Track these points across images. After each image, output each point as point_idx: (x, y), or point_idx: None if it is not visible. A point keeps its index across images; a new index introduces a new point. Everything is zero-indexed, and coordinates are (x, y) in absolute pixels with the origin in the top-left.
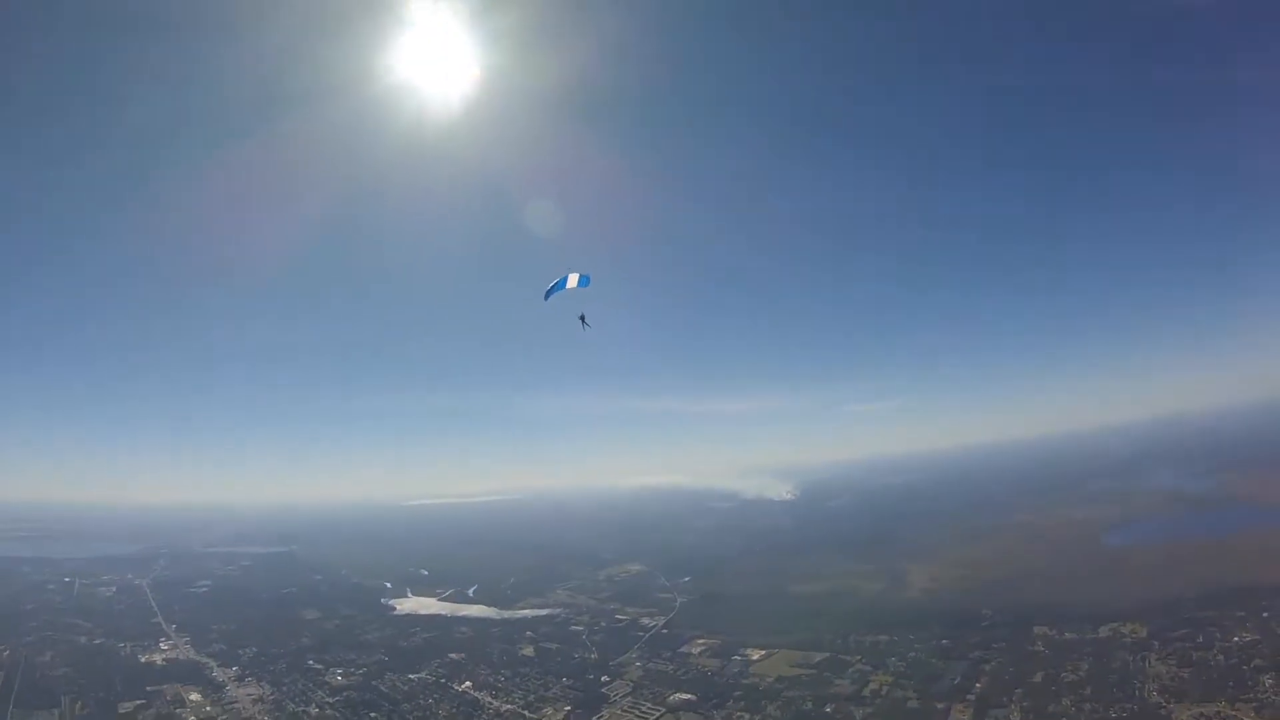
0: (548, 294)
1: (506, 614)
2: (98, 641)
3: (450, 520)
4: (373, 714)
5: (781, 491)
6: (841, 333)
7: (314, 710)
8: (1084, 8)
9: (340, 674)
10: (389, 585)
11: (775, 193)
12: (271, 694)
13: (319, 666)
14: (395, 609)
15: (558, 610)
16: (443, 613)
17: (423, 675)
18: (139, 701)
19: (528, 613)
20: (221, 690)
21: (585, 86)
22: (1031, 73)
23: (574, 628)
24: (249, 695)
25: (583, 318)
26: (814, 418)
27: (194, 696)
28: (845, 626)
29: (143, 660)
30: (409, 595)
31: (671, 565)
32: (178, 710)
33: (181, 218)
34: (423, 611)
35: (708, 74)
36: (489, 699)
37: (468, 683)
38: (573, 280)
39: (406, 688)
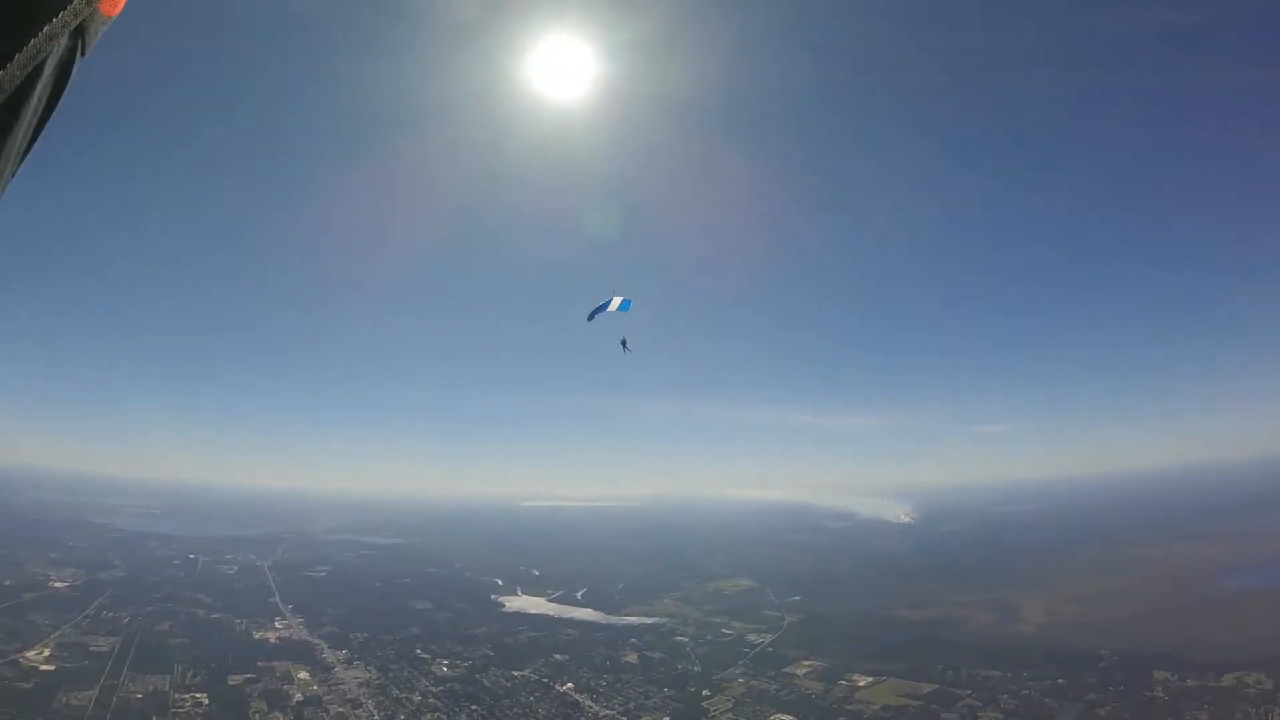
0: (591, 315)
1: (613, 619)
2: (215, 616)
3: (563, 523)
4: (474, 706)
5: (899, 513)
6: (972, 349)
7: (417, 698)
8: None
9: (446, 665)
10: (500, 582)
11: (905, 197)
12: (378, 679)
13: (426, 656)
14: (504, 606)
15: (664, 620)
16: (550, 613)
17: (525, 673)
18: (249, 675)
19: (634, 620)
20: (329, 671)
21: (709, 95)
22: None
23: (679, 638)
24: (355, 678)
25: (624, 342)
26: (938, 437)
27: (302, 675)
28: (956, 658)
29: (256, 636)
30: (519, 593)
31: (781, 582)
32: (285, 687)
33: (329, 220)
34: (531, 610)
35: (834, 81)
36: (589, 702)
37: (569, 684)
38: (615, 303)
39: (509, 684)
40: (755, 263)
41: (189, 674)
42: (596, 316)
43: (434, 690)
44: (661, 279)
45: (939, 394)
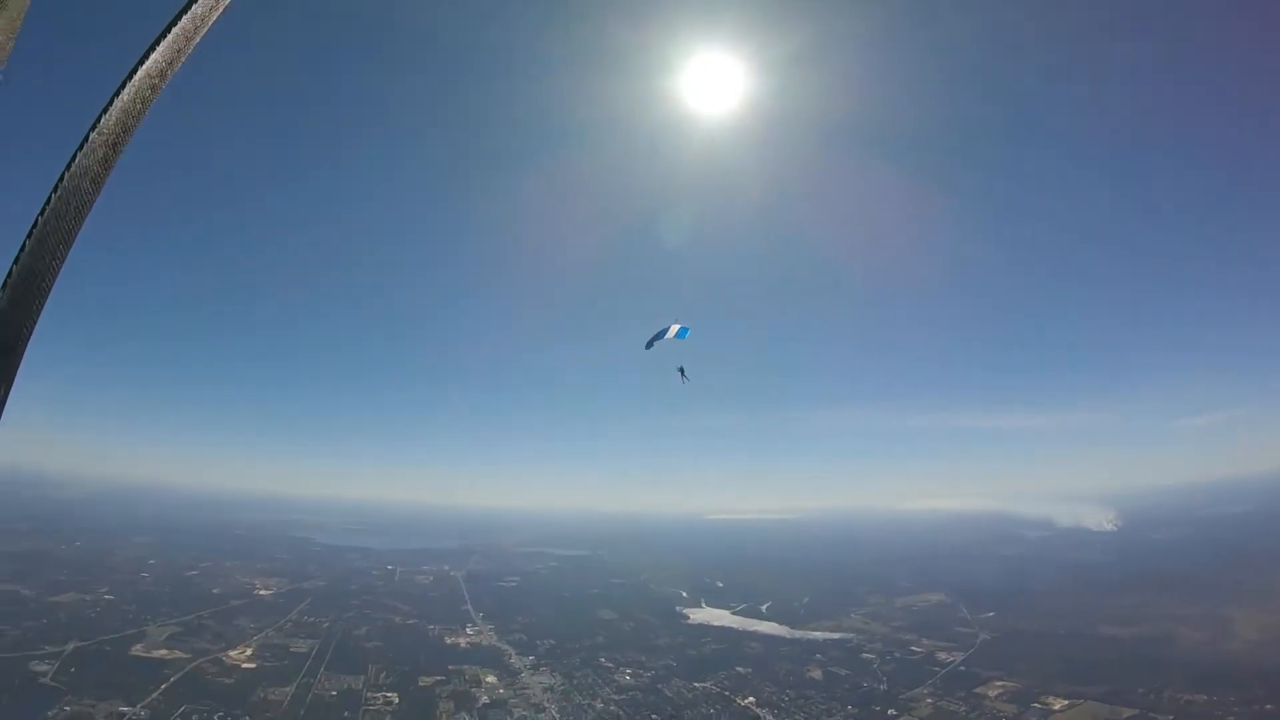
0: (649, 343)
1: (797, 634)
2: (410, 622)
3: (747, 536)
4: (654, 716)
5: (1101, 520)
6: (1170, 337)
7: (599, 705)
8: None
9: (629, 674)
10: (685, 594)
11: (1083, 185)
12: (562, 685)
13: (610, 665)
14: (689, 618)
15: (850, 635)
16: (734, 626)
17: (707, 685)
18: (439, 677)
19: (819, 635)
20: (516, 676)
21: (858, 112)
22: None
23: (865, 655)
24: (541, 684)
25: (681, 370)
26: (1139, 434)
27: (490, 679)
28: (1160, 680)
29: (448, 642)
30: (703, 606)
31: (974, 597)
32: (473, 689)
33: (516, 242)
34: (715, 623)
35: (990, 86)
36: (770, 717)
37: (751, 698)
38: (672, 331)
39: (690, 695)
40: (922, 266)
41: (382, 674)
42: (655, 344)
43: (616, 698)
44: (829, 289)
45: (1136, 386)
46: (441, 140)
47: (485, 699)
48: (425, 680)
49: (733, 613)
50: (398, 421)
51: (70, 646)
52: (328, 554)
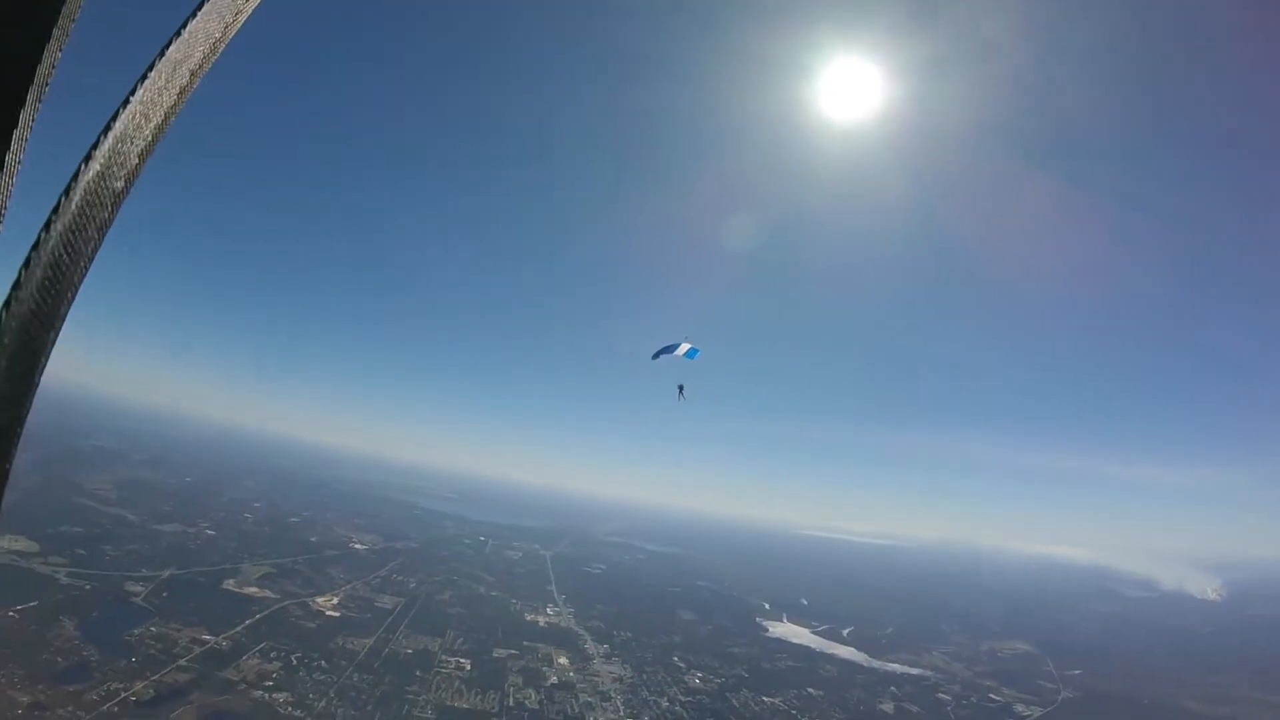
0: (656, 354)
1: (875, 663)
2: (494, 594)
3: (840, 556)
4: None
5: (1205, 588)
6: None
7: (664, 703)
8: None
9: (699, 677)
10: (767, 606)
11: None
12: (631, 677)
13: (682, 665)
14: (768, 630)
15: (928, 673)
16: (812, 646)
17: (776, 701)
18: (512, 651)
19: (896, 667)
20: (588, 661)
21: (1009, 116)
22: None
23: (941, 695)
24: (611, 673)
25: (681, 388)
26: (1266, 501)
27: (562, 660)
28: None
29: (527, 618)
30: (784, 620)
31: (1062, 651)
32: (544, 668)
33: (631, 232)
34: (793, 639)
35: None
36: None
37: None
38: (682, 349)
39: (757, 709)
40: (1066, 290)
41: (459, 640)
42: (661, 357)
43: (682, 699)
44: (963, 307)
45: (1267, 444)
46: (596, 146)
47: (554, 679)
48: (499, 652)
49: (813, 632)
50: (509, 402)
51: (166, 573)
52: (424, 518)
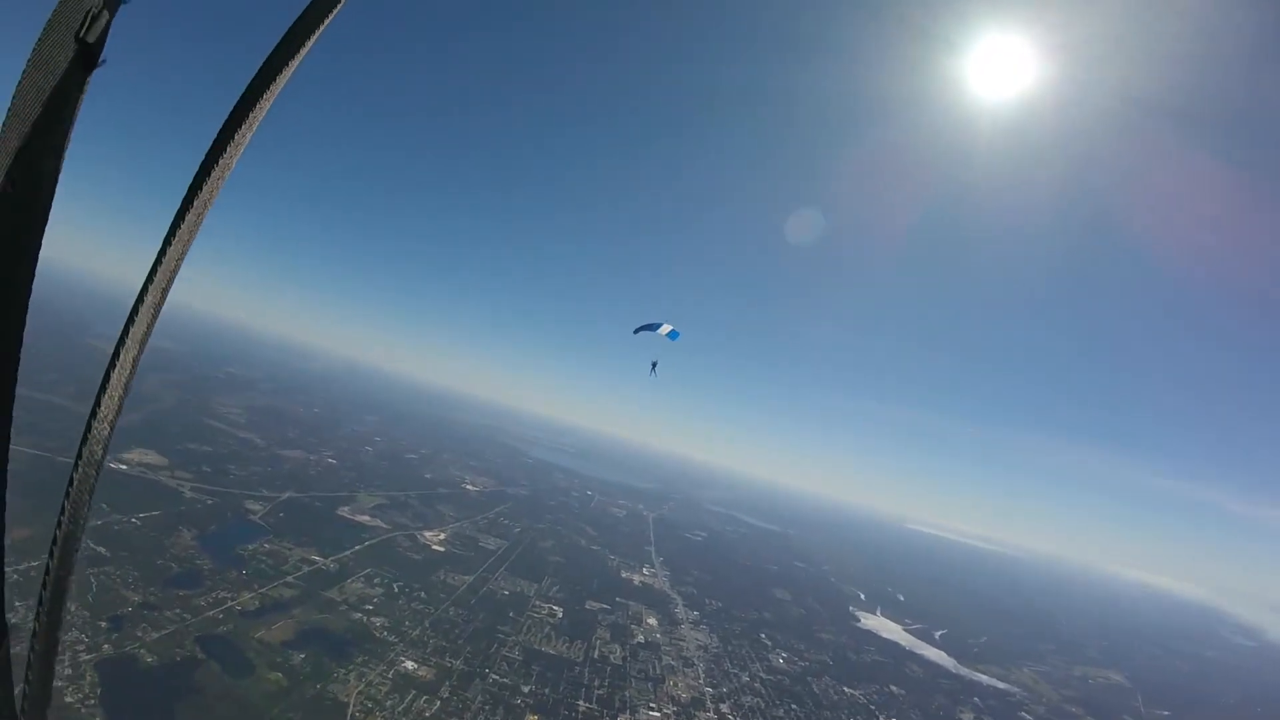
0: (637, 330)
1: (962, 670)
2: (594, 548)
3: (943, 555)
4: (794, 706)
5: None
6: None
7: (745, 678)
8: None
9: (783, 657)
10: (862, 597)
11: None
12: (716, 647)
13: (768, 643)
14: (859, 621)
15: (1015, 689)
16: (902, 643)
17: (856, 693)
18: (604, 606)
19: (983, 678)
20: (676, 626)
21: (1156, 95)
22: None
23: (1023, 714)
24: (696, 640)
25: (654, 365)
26: None
27: (650, 620)
28: None
29: (623, 575)
30: (877, 613)
31: (1155, 690)
32: (632, 626)
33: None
34: (883, 634)
35: None
36: None
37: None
38: (664, 330)
39: (836, 698)
40: (1241, 295)
41: (554, 588)
42: (641, 333)
43: (763, 676)
44: (1121, 303)
45: None
46: (750, 126)
47: (640, 638)
48: (591, 605)
49: (905, 629)
50: (629, 363)
51: (285, 495)
52: (537, 467)
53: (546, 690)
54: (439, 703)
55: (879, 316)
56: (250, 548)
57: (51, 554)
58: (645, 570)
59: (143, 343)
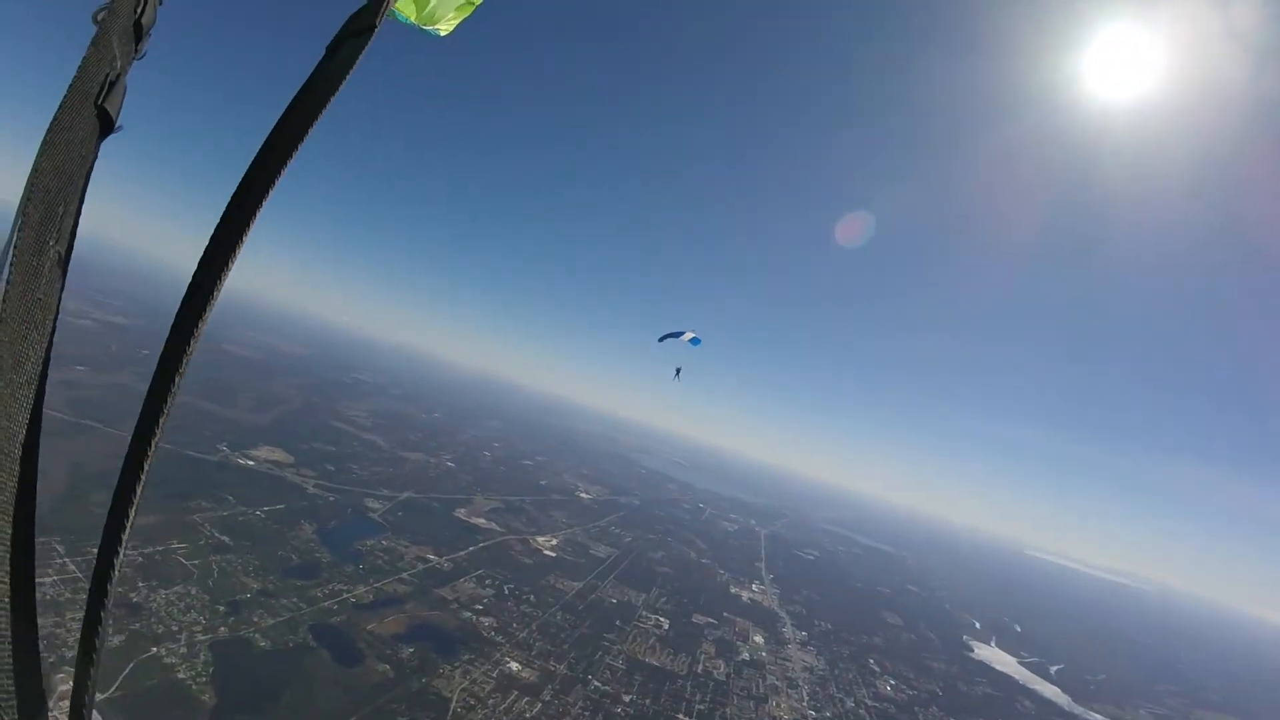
0: (662, 338)
1: (1077, 709)
2: (703, 561)
3: (1064, 585)
4: None
5: None
6: None
7: (850, 703)
8: None
9: (891, 685)
10: (977, 625)
11: None
12: (823, 670)
13: (876, 669)
14: (972, 651)
15: None
16: (1015, 676)
17: None
18: (710, 620)
19: (1098, 718)
20: (783, 645)
21: None
22: None
23: None
24: (803, 661)
25: (678, 371)
26: None
27: (757, 638)
28: None
29: (732, 591)
30: (991, 644)
31: None
32: (738, 642)
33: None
34: (997, 665)
35: None
36: None
37: None
38: (686, 336)
39: None
40: None
41: (661, 599)
42: (666, 340)
43: (869, 703)
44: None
45: None
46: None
47: (746, 655)
48: (698, 618)
49: (1020, 662)
50: (749, 378)
51: (404, 495)
52: (650, 478)
53: (647, 701)
54: (540, 705)
55: (1000, 328)
56: (368, 544)
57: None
58: (755, 586)
59: (193, 346)
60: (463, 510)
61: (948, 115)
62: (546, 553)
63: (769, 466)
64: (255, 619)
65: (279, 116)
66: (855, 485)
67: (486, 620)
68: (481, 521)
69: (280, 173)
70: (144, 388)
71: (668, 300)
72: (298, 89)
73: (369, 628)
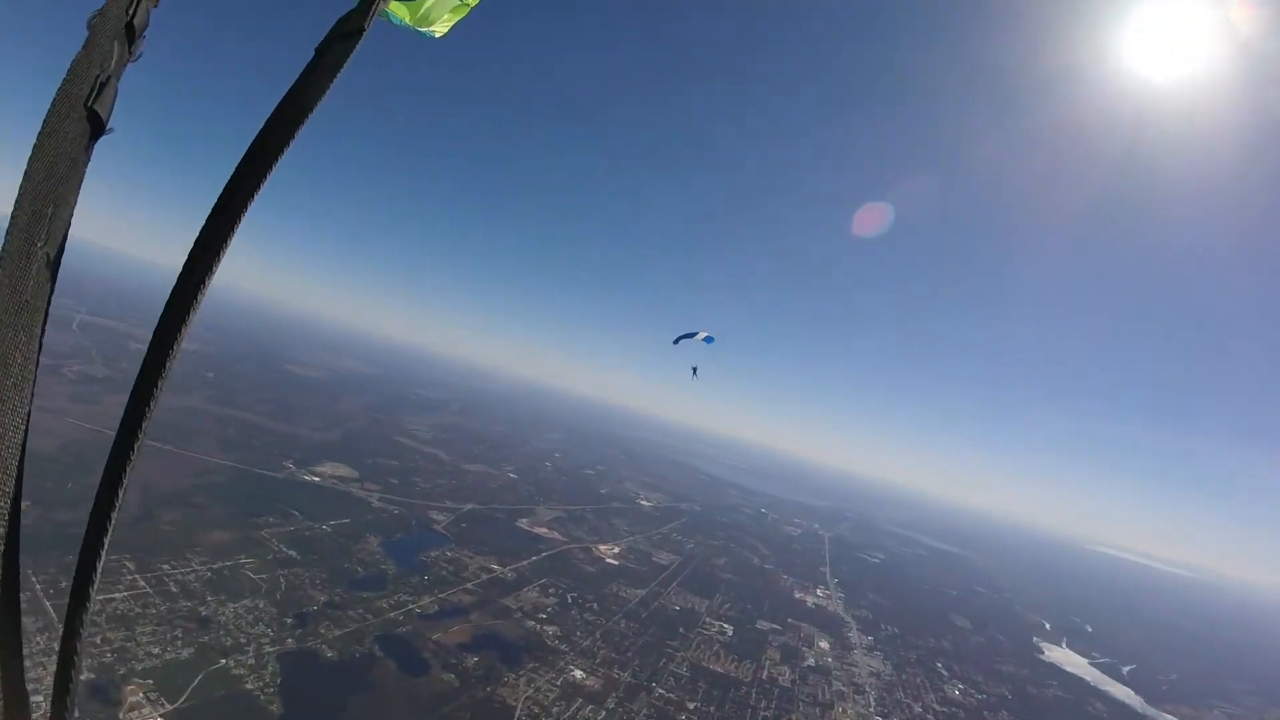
0: (677, 339)
1: (1150, 711)
2: (767, 567)
3: (1136, 582)
4: None
5: None
6: None
7: (918, 709)
8: None
9: (960, 689)
10: (1047, 626)
11: None
12: (889, 675)
13: (944, 673)
14: (1042, 652)
15: None
16: (1086, 678)
17: None
18: (775, 626)
19: None
20: (849, 651)
21: None
22: None
23: None
24: (869, 667)
25: (695, 370)
26: None
27: (823, 644)
28: None
29: (796, 596)
30: (1062, 645)
31: None
32: (803, 648)
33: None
34: (1067, 667)
35: None
36: None
37: None
38: (700, 335)
39: None
40: None
41: (725, 605)
42: (681, 341)
43: (937, 709)
44: None
45: None
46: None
47: (811, 661)
48: (762, 624)
49: (1091, 663)
50: (808, 380)
51: (467, 507)
52: (711, 484)
53: (712, 708)
54: (604, 713)
55: (1062, 316)
56: (432, 555)
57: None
58: (819, 591)
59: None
60: (525, 520)
61: (1010, 84)
62: (609, 561)
63: (829, 468)
64: (322, 630)
65: (266, 119)
66: (918, 484)
67: (550, 629)
68: (544, 531)
69: (267, 175)
70: (213, 410)
71: (720, 301)
72: (285, 92)
73: (434, 638)
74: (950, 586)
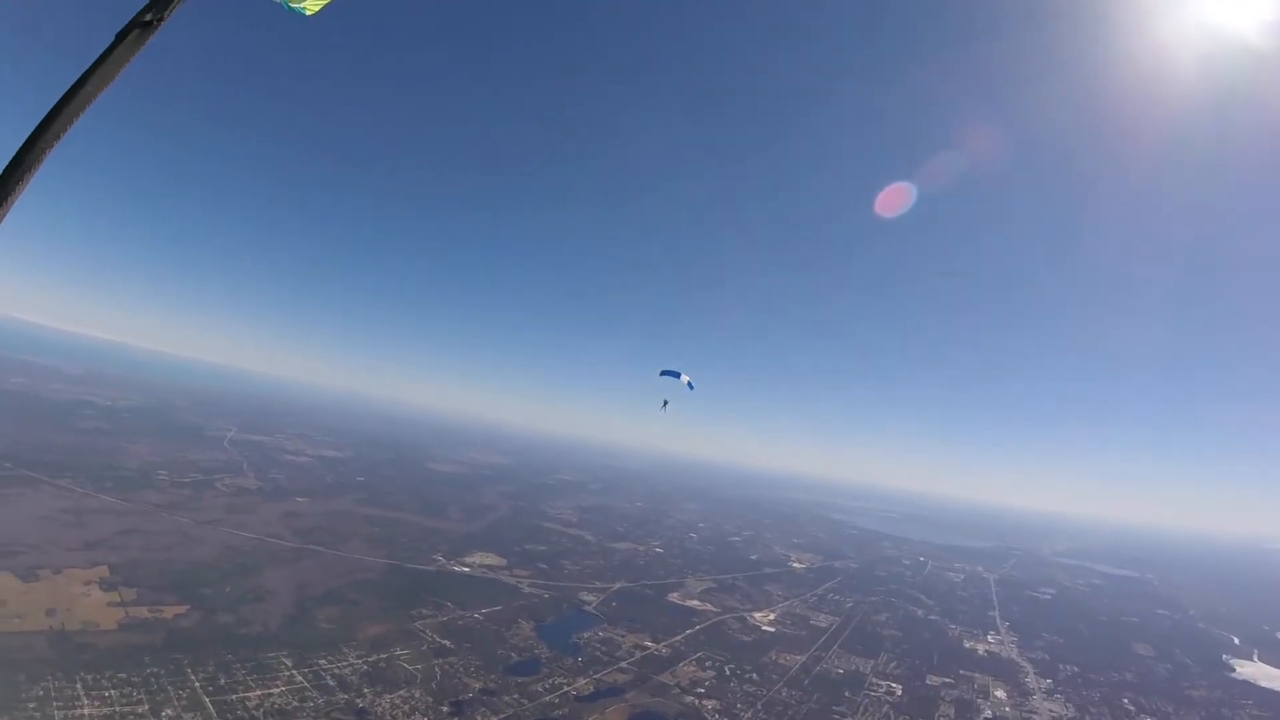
0: (663, 373)
1: None
2: (931, 617)
3: None
4: None
5: None
6: None
7: None
8: None
9: None
10: (1236, 641)
11: None
12: (1073, 717)
13: (1132, 708)
14: (1234, 670)
15: None
16: None
17: None
18: (946, 680)
19: None
20: (1027, 697)
21: None
22: None
23: None
24: (1050, 711)
25: (665, 402)
26: None
27: (999, 693)
28: None
29: (966, 645)
30: (1255, 659)
31: None
32: (978, 700)
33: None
34: (1263, 682)
35: None
36: None
37: None
38: (684, 379)
39: None
40: None
41: (891, 664)
42: (666, 377)
43: None
44: None
45: None
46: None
47: (988, 713)
48: (933, 680)
49: None
50: (950, 415)
51: (616, 585)
52: (862, 538)
53: None
54: None
55: (1204, 296)
56: (585, 635)
57: None
58: (990, 637)
59: None
60: (676, 594)
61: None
62: (765, 628)
63: (980, 504)
64: (478, 718)
65: (47, 110)
66: (1084, 510)
67: (709, 703)
68: (696, 603)
69: (38, 165)
70: (363, 511)
71: (821, 337)
72: (72, 82)
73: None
74: (1129, 613)
